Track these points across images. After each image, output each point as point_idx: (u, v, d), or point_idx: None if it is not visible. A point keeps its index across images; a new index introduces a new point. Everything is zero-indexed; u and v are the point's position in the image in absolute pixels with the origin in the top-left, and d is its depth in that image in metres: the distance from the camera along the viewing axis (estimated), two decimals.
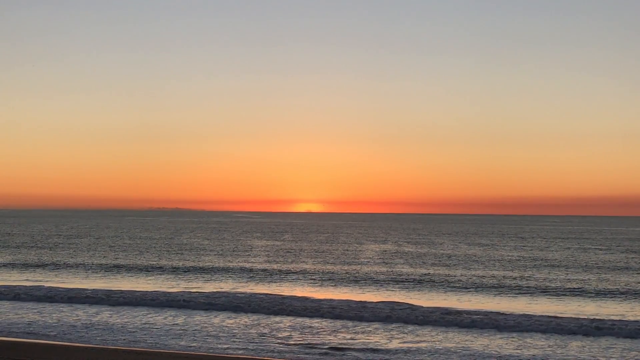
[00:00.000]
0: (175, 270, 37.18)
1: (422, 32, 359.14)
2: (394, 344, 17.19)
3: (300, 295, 26.51)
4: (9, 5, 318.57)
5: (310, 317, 21.42)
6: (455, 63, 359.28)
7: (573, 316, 21.77)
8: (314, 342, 17.48)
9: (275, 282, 32.40)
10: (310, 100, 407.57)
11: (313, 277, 34.25)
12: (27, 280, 32.00)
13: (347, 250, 57.13)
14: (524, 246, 66.00)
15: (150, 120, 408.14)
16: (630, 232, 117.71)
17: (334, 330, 19.19)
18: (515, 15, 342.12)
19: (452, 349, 16.64)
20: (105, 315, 21.70)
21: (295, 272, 36.70)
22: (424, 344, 17.23)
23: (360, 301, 24.33)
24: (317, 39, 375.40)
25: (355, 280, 32.81)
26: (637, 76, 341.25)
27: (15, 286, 28.15)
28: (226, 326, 19.81)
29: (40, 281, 31.19)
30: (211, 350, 16.25)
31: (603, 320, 20.69)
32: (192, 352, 15.96)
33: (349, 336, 18.33)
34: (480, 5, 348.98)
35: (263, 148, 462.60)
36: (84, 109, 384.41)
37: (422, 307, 22.89)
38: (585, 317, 21.60)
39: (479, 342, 17.67)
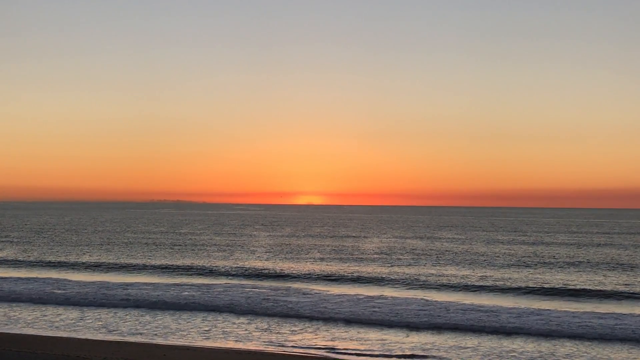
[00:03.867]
0: (173, 267, 37.02)
1: (422, 28, 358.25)
2: (406, 343, 16.87)
3: (302, 287, 26.36)
4: (13, 0, 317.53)
5: (313, 313, 21.18)
6: (454, 58, 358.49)
7: (587, 315, 21.68)
8: (316, 339, 17.39)
9: (277, 277, 32.27)
10: (311, 95, 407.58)
11: (315, 272, 34.05)
12: (19, 276, 31.97)
13: (349, 244, 56.99)
14: (525, 240, 65.85)
15: (152, 113, 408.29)
16: (631, 225, 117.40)
17: (337, 327, 19.10)
18: (514, 10, 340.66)
19: (466, 348, 16.53)
20: (104, 313, 21.72)
21: (298, 268, 36.54)
22: (438, 344, 16.86)
23: (368, 296, 24.22)
24: (317, 36, 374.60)
25: (359, 276, 32.62)
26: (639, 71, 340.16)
27: (12, 278, 28.22)
28: (226, 322, 19.74)
29: (39, 278, 31.18)
30: (210, 345, 16.18)
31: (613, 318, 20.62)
32: (190, 344, 15.90)
33: (352, 333, 18.24)
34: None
35: (264, 141, 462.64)
36: (85, 103, 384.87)
37: (434, 301, 22.80)
38: (601, 315, 21.52)
39: (493, 340, 17.59)
